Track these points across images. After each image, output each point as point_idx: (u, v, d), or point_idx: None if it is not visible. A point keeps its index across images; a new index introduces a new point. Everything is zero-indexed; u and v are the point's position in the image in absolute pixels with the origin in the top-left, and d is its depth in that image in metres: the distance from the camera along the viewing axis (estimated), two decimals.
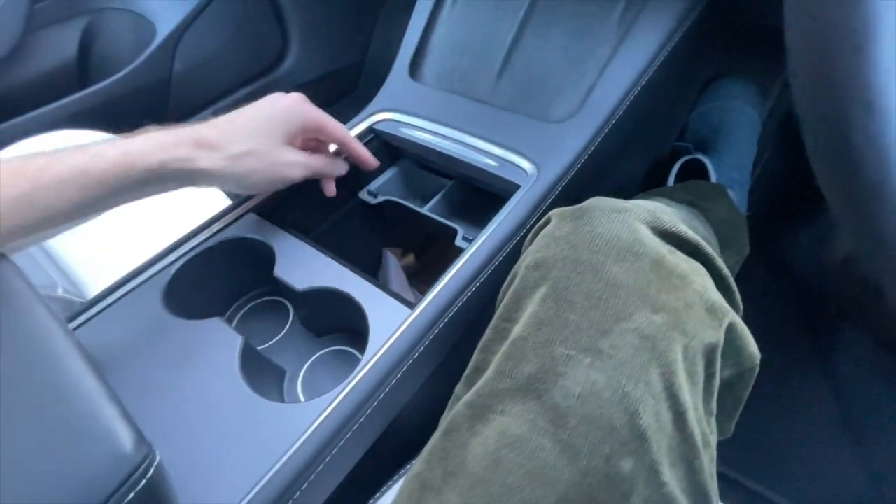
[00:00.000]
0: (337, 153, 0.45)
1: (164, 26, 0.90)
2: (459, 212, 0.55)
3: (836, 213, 0.19)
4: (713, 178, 0.71)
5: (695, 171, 0.71)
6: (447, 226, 0.46)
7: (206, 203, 0.57)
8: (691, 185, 0.65)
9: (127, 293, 0.39)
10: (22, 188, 0.29)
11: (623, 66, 0.48)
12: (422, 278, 0.56)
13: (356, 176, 0.53)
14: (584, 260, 0.26)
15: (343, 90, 1.13)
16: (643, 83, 0.49)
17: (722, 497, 0.29)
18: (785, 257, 0.75)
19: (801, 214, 0.77)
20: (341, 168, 0.41)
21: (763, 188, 0.78)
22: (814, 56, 0.18)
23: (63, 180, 0.30)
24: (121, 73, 0.87)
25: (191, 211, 0.57)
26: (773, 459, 0.58)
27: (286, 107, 0.37)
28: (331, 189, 0.44)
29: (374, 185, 0.54)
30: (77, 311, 0.38)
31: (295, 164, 0.37)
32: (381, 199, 0.51)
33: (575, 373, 0.23)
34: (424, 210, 0.49)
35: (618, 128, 0.48)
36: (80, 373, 0.22)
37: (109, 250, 0.59)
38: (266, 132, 0.35)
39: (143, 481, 0.20)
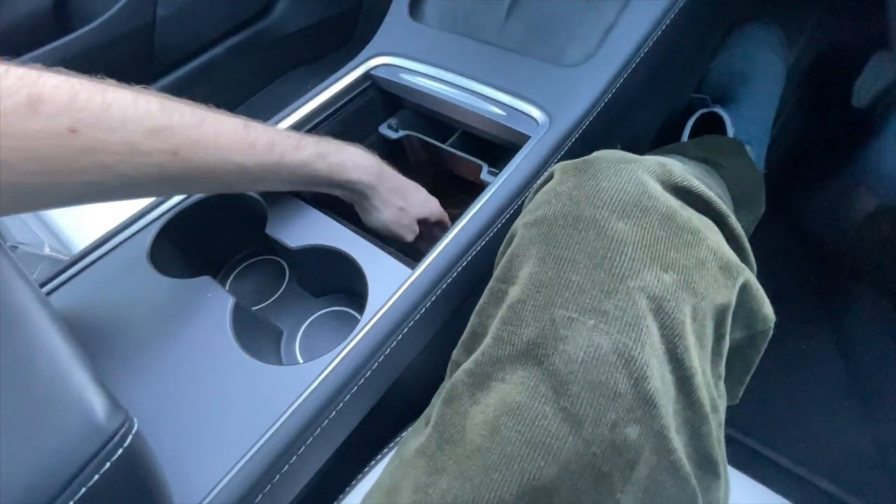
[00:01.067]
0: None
1: None
2: None
3: None
4: (731, 132, 0.67)
5: (712, 125, 0.67)
6: (471, 161, 0.45)
7: None
8: (706, 141, 0.62)
9: (111, 250, 0.37)
10: (271, 159, 0.33)
11: (646, 3, 0.44)
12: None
13: (350, 135, 0.50)
14: (586, 216, 0.24)
15: (339, 40, 1.06)
16: (666, 24, 0.44)
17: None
18: (801, 216, 0.73)
19: (821, 172, 0.74)
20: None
21: (782, 144, 0.74)
22: None
23: (288, 167, 0.34)
24: (101, 19, 0.81)
25: None
26: (778, 421, 0.58)
27: (433, 207, 0.45)
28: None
29: (392, 121, 0.52)
30: (58, 269, 0.36)
31: (413, 233, 0.44)
32: (401, 133, 0.48)
33: (577, 336, 0.21)
34: (446, 146, 0.47)
35: (637, 74, 0.44)
36: (47, 336, 0.20)
37: (97, 207, 0.57)
38: (414, 208, 0.43)
39: (120, 450, 0.18)
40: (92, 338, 0.32)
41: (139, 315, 0.33)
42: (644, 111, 0.57)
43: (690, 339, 0.22)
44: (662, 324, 0.22)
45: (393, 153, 0.53)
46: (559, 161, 0.41)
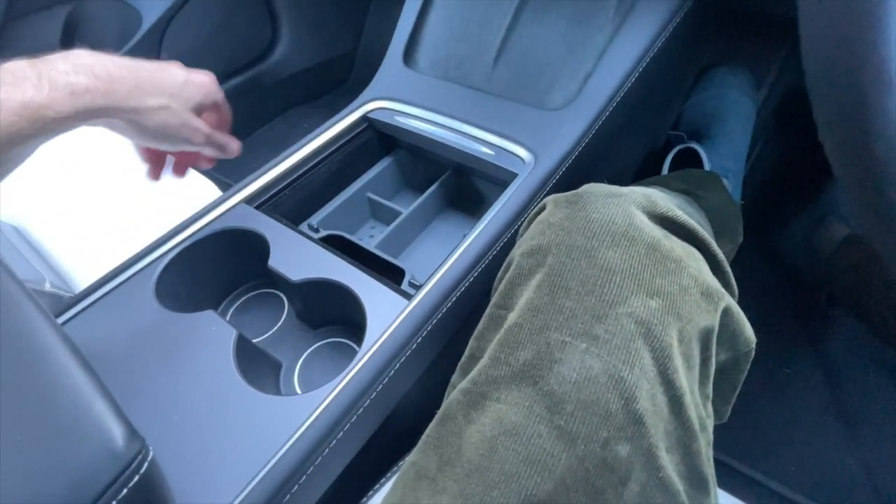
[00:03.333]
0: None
1: (150, 14, 0.88)
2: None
3: (847, 187, 0.19)
4: (707, 166, 0.71)
5: (689, 160, 0.71)
6: (394, 266, 0.41)
7: (198, 194, 0.56)
8: (686, 174, 0.65)
9: (117, 286, 0.38)
10: None
11: (620, 52, 0.48)
12: None
13: (348, 174, 0.52)
14: (578, 245, 0.26)
15: (335, 80, 1.11)
16: (640, 70, 0.48)
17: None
18: (777, 245, 0.76)
19: (793, 203, 0.77)
20: (234, 151, 0.40)
21: (756, 177, 0.79)
22: (829, 40, 0.17)
23: None
24: None
25: (181, 202, 0.56)
26: (765, 444, 0.59)
27: (204, 82, 0.37)
28: (181, 172, 0.41)
29: (321, 215, 0.49)
30: (66, 304, 0.37)
31: (199, 129, 0.36)
32: (323, 233, 0.45)
33: (570, 358, 0.23)
34: (372, 247, 0.43)
35: (615, 116, 0.48)
36: (68, 368, 0.21)
37: (97, 243, 0.58)
38: (181, 94, 0.34)
39: (137, 477, 0.20)
40: (100, 370, 0.32)
41: (146, 349, 0.34)
42: (624, 148, 0.60)
43: (678, 361, 0.24)
44: (652, 346, 0.23)
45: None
46: (545, 195, 0.44)
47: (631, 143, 0.63)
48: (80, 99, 0.29)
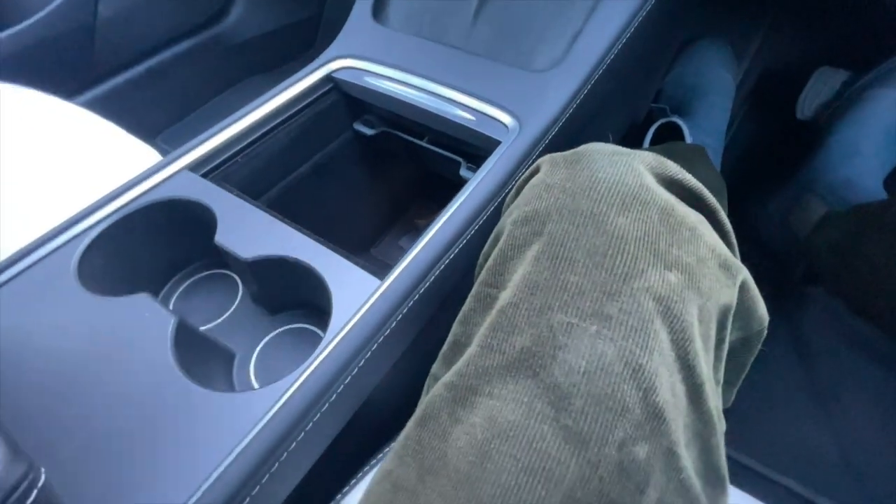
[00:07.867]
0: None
1: None
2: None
3: None
4: (689, 141, 0.69)
5: (670, 135, 0.69)
6: (449, 157, 0.45)
7: (135, 158, 0.49)
8: (671, 147, 0.63)
9: (32, 265, 0.32)
10: None
11: (611, 11, 0.44)
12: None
13: (310, 142, 0.47)
14: (583, 210, 0.22)
15: (298, 46, 1.03)
16: (630, 32, 0.44)
17: None
18: (754, 223, 0.75)
19: (771, 180, 0.77)
20: None
21: (733, 154, 0.78)
22: None
23: None
24: (35, 18, 0.75)
25: (117, 168, 0.49)
26: (740, 423, 0.58)
27: None
28: None
29: (369, 116, 0.51)
30: None
31: None
32: (378, 129, 0.48)
33: (578, 344, 0.19)
34: (424, 143, 0.47)
35: (603, 81, 0.44)
36: None
37: (25, 217, 0.51)
38: None
39: None
40: (9, 368, 0.27)
41: (65, 339, 0.28)
42: (608, 119, 0.57)
43: (698, 344, 0.21)
44: (672, 328, 0.20)
45: (369, 149, 0.51)
46: (530, 165, 0.40)
47: (615, 113, 0.60)
48: None
